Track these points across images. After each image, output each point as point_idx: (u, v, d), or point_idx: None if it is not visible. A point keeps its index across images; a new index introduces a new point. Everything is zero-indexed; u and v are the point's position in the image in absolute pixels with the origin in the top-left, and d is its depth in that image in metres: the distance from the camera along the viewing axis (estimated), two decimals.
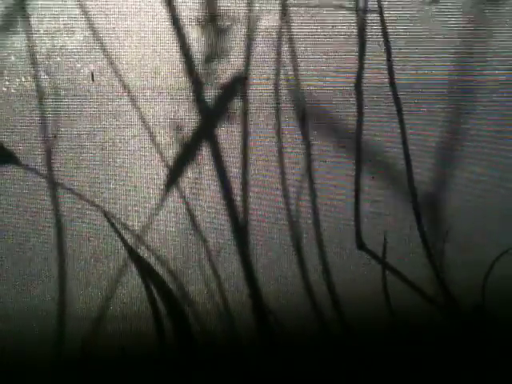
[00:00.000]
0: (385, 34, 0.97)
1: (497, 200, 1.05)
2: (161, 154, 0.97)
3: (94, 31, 0.93)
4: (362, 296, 1.03)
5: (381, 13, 0.97)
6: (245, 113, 0.97)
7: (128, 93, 0.95)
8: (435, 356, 1.04)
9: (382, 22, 0.97)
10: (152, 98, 0.96)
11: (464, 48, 1.00)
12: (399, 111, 1.00)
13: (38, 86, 0.94)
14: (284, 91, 0.98)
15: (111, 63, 0.95)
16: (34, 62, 0.93)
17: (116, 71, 0.95)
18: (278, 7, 0.95)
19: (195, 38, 0.95)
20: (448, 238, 1.04)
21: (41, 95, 0.94)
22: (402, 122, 1.01)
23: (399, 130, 1.01)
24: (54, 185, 0.96)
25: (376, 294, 1.03)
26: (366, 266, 1.03)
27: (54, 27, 0.93)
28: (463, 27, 0.99)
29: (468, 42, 1.00)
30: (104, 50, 0.94)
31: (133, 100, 0.96)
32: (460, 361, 1.04)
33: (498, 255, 1.03)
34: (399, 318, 1.02)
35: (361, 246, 1.01)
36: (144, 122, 0.96)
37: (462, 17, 0.99)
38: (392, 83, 0.99)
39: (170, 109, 0.97)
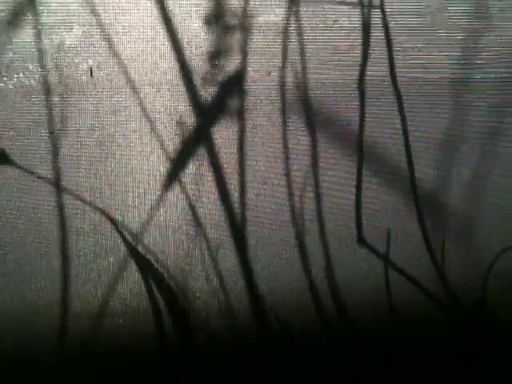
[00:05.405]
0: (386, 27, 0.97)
1: (498, 196, 1.05)
2: (162, 149, 0.97)
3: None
4: (364, 292, 1.03)
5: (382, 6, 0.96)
6: (247, 108, 0.97)
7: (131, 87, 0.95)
8: (436, 352, 1.04)
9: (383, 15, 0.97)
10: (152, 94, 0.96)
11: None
12: (400, 106, 1.00)
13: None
14: (288, 86, 0.97)
15: (112, 57, 0.94)
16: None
17: (118, 65, 0.94)
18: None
19: (198, 33, 0.94)
20: (449, 234, 1.04)
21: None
22: (403, 117, 1.00)
23: (400, 125, 1.01)
24: (54, 181, 0.96)
25: (378, 290, 1.03)
26: (366, 261, 1.03)
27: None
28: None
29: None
30: (102, 45, 0.93)
31: (133, 95, 0.95)
32: (461, 357, 1.04)
33: (499, 252, 1.04)
34: (400, 314, 1.03)
35: (362, 241, 1.01)
36: (145, 117, 0.96)
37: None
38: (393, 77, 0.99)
39: (171, 104, 0.96)
